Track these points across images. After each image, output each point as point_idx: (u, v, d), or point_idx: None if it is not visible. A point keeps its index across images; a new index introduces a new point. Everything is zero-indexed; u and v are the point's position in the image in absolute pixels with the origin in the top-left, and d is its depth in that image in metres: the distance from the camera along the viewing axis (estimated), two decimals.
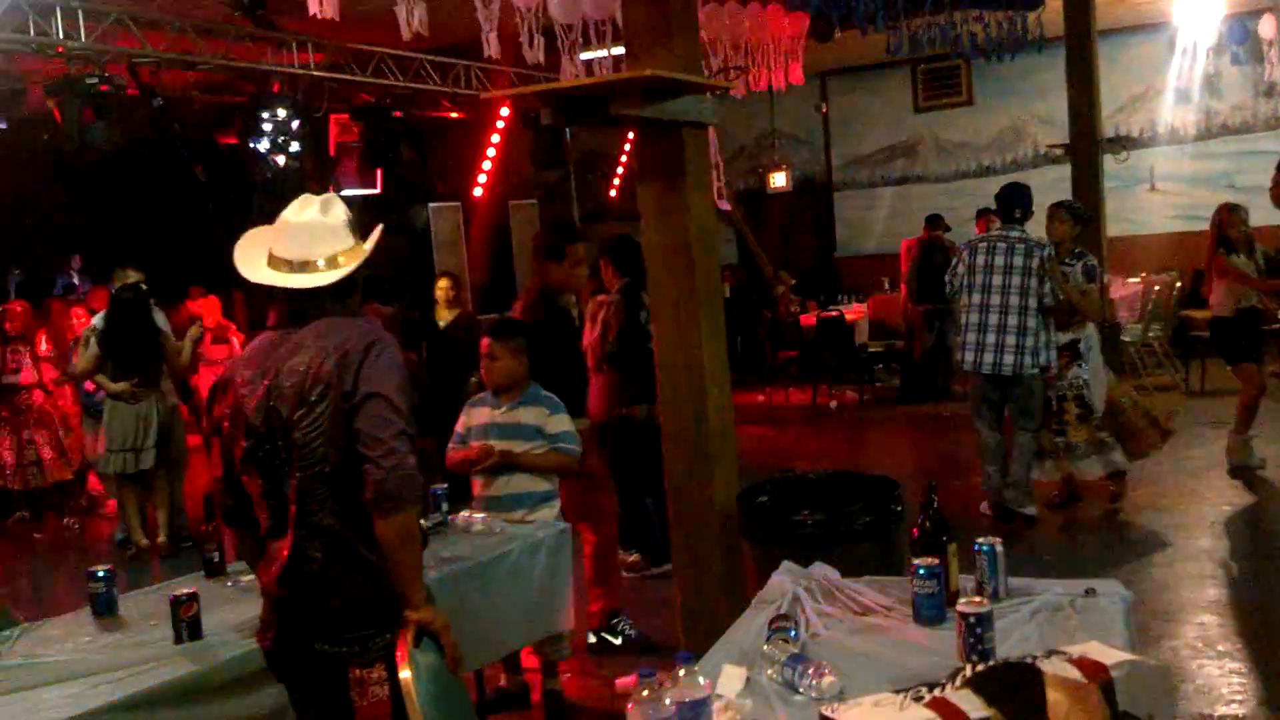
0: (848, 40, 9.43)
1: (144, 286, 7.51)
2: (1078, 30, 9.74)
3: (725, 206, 7.64)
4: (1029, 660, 1.99)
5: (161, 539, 7.71)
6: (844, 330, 11.50)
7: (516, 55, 7.24)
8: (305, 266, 2.74)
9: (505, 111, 11.07)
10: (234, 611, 3.39)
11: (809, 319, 11.87)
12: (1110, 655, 2.03)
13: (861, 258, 14.62)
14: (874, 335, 12.33)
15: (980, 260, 6.65)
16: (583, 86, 4.41)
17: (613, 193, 13.76)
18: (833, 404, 11.62)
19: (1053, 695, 1.85)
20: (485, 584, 3.89)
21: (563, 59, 7.42)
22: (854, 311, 12.26)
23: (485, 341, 4.62)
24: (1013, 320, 6.53)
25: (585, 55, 7.59)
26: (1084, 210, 7.13)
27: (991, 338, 6.58)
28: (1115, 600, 2.88)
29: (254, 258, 2.81)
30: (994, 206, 7.02)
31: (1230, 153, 12.77)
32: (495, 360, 4.58)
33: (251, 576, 3.28)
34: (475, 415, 4.67)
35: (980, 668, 1.99)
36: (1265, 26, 11.04)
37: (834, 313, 11.82)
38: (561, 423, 4.60)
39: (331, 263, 2.75)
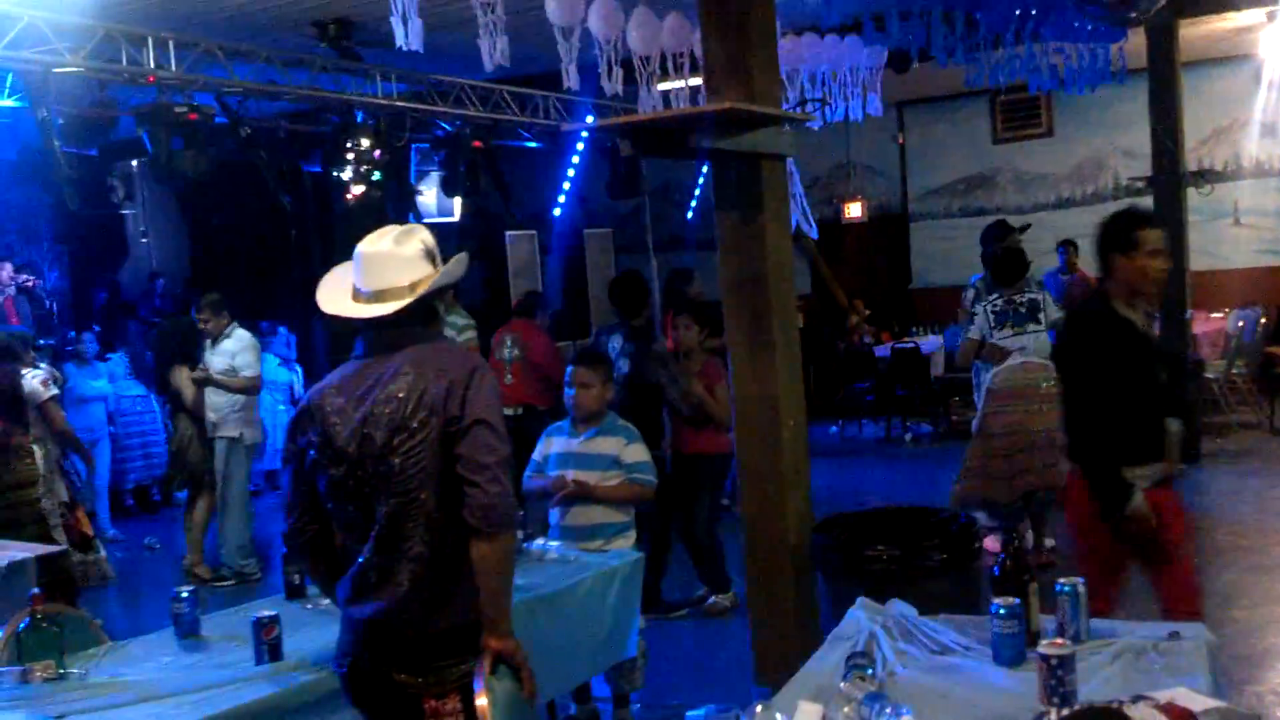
0: (924, 71, 9.39)
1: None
2: (1160, 62, 9.60)
3: (814, 234, 7.62)
4: (1115, 705, 1.96)
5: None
6: (919, 361, 11.39)
7: (596, 86, 7.30)
8: (380, 296, 2.79)
9: (582, 141, 11.17)
10: (315, 634, 3.44)
11: (883, 350, 11.78)
12: (1199, 702, 1.99)
13: (938, 289, 14.46)
14: (949, 367, 12.19)
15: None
16: (662, 119, 4.46)
17: (688, 220, 13.80)
18: (907, 437, 11.50)
19: None
20: (558, 613, 3.91)
21: (640, 90, 7.48)
22: (929, 343, 12.14)
23: (573, 369, 4.65)
24: None
25: (663, 86, 7.65)
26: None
27: None
28: (1199, 644, 2.83)
29: (336, 293, 2.88)
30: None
31: None
32: (587, 388, 4.60)
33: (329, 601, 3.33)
34: (553, 444, 4.69)
35: (1065, 712, 1.96)
36: None
37: (909, 344, 11.71)
38: (638, 452, 4.62)
39: (410, 290, 2.79)
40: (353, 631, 2.81)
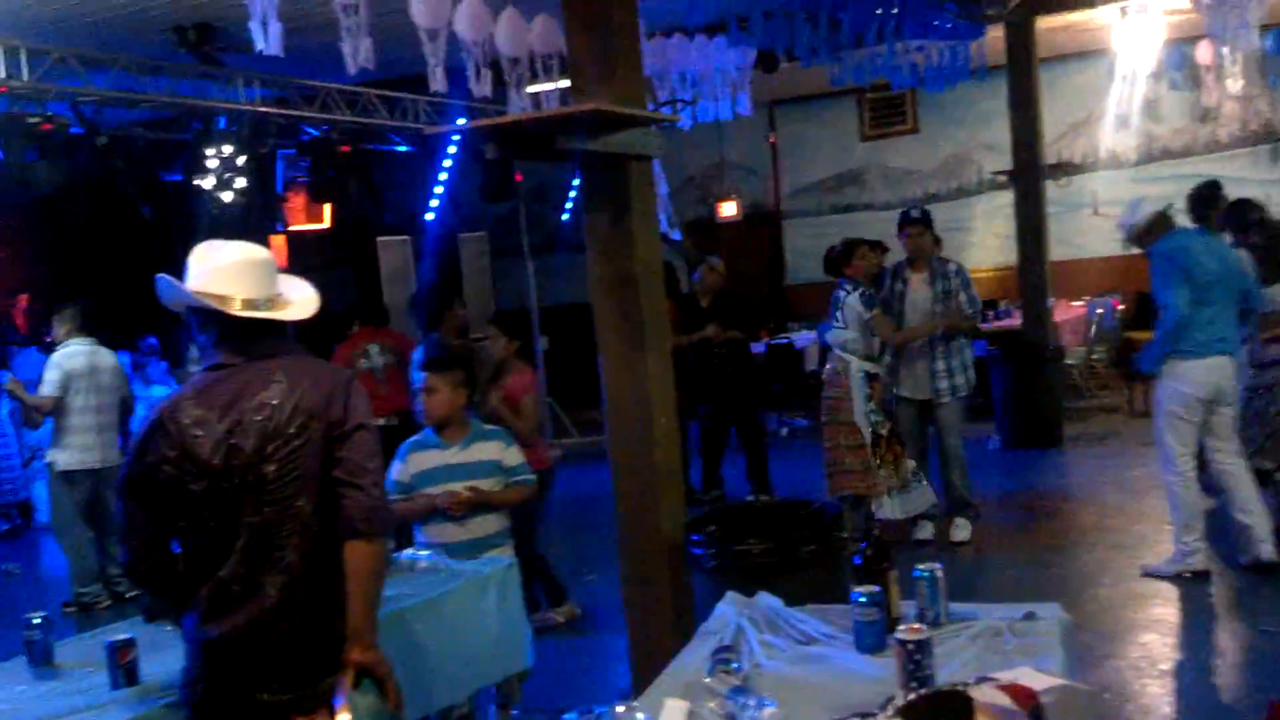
0: (794, 71, 9.54)
1: None
2: (1019, 59, 9.92)
3: (676, 235, 7.67)
4: (960, 688, 2.01)
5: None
6: (793, 357, 11.56)
7: (464, 88, 7.25)
8: (273, 303, 2.79)
9: (454, 145, 11.08)
10: (174, 657, 3.34)
11: (759, 347, 11.91)
12: (1041, 680, 2.05)
13: (812, 285, 14.69)
14: (823, 361, 12.39)
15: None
16: (527, 121, 4.44)
17: (563, 220, 13.80)
18: (784, 431, 11.67)
19: None
20: (433, 622, 3.84)
21: (510, 92, 7.45)
22: (803, 339, 12.33)
23: (421, 375, 4.52)
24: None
25: (532, 88, 7.63)
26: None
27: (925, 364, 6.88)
28: (1053, 623, 2.91)
29: (228, 301, 2.76)
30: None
31: (1170, 176, 12.95)
32: (433, 393, 4.46)
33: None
34: (421, 460, 4.49)
35: (911, 697, 2.01)
36: (1202, 52, 11.26)
37: (784, 340, 11.88)
38: (517, 454, 4.58)
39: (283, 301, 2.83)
40: (208, 653, 2.72)
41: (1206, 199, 6.46)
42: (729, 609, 3.26)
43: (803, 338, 12.46)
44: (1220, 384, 5.84)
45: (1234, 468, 5.95)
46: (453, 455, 4.47)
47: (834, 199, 15.01)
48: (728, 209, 14.64)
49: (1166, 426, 5.94)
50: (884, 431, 6.68)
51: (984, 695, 1.96)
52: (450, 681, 3.91)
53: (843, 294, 6.86)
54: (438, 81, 6.82)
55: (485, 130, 4.34)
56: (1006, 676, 2.09)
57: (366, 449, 2.72)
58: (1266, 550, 5.84)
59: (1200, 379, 5.79)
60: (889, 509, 6.61)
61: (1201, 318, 5.74)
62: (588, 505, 4.88)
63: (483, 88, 7.07)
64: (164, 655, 3.36)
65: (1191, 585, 5.87)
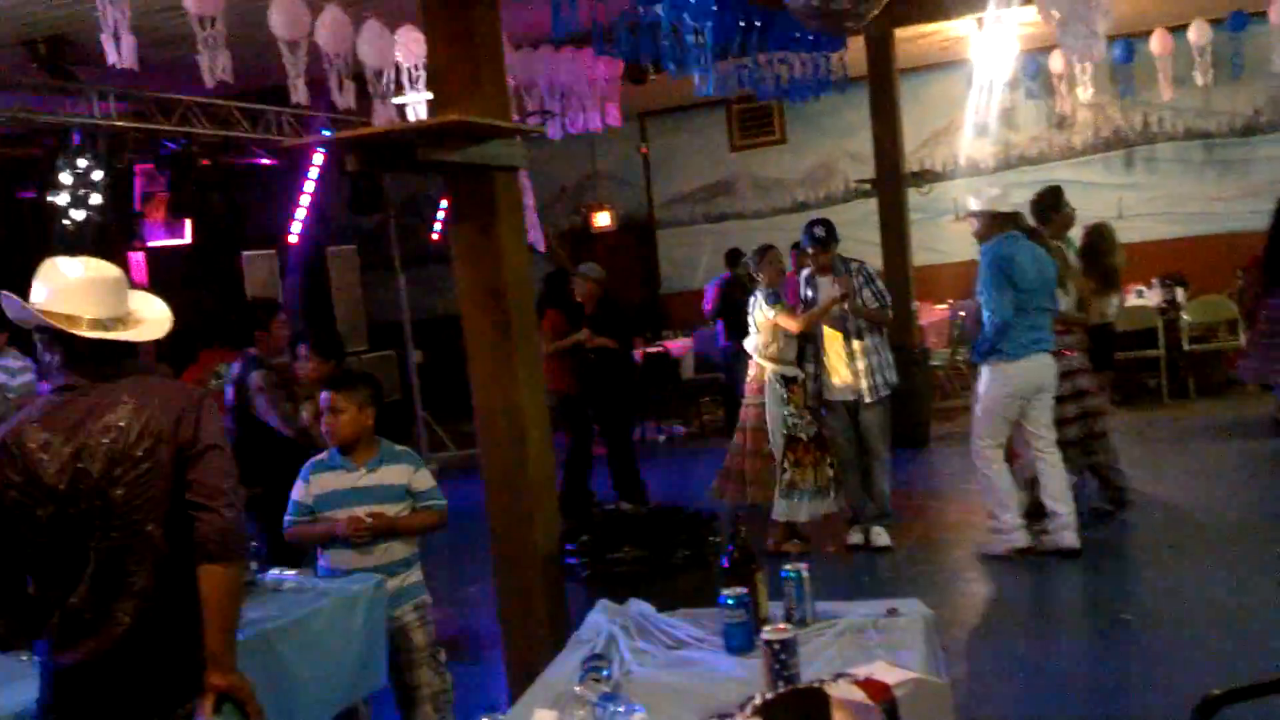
0: (664, 82, 9.63)
1: None
2: (879, 70, 10.18)
3: (540, 246, 7.64)
4: (817, 685, 2.05)
5: None
6: (669, 365, 11.65)
7: (329, 100, 7.14)
8: (123, 322, 2.73)
9: (320, 157, 10.90)
10: (30, 687, 3.22)
11: (635, 355, 11.98)
12: (895, 675, 2.11)
13: (686, 293, 14.85)
14: (699, 369, 12.54)
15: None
16: (388, 133, 4.41)
17: (434, 236, 13.65)
18: (660, 438, 11.75)
19: (838, 718, 1.91)
20: (300, 643, 3.77)
21: (374, 104, 7.37)
22: (679, 346, 12.44)
23: (325, 394, 4.28)
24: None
25: (398, 100, 7.56)
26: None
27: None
28: (916, 618, 3.00)
29: (72, 318, 2.69)
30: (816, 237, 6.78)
31: (1028, 182, 13.30)
32: (338, 413, 4.22)
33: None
34: (324, 482, 4.25)
35: (770, 695, 2.04)
36: (1055, 62, 11.70)
37: (659, 348, 11.97)
38: (427, 478, 4.34)
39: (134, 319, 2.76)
40: (60, 682, 2.65)
41: (1048, 205, 6.91)
42: (600, 617, 3.28)
43: (679, 346, 12.56)
44: (1040, 381, 6.31)
45: (1050, 457, 6.37)
46: (358, 478, 4.22)
47: (706, 208, 15.18)
48: (602, 219, 14.72)
49: (984, 418, 6.45)
50: (804, 435, 6.78)
51: (840, 691, 2.01)
52: (316, 702, 3.85)
53: (753, 300, 7.00)
54: (299, 93, 6.72)
55: (346, 142, 4.27)
56: (862, 671, 2.14)
57: (219, 470, 2.66)
58: (1069, 538, 6.27)
59: (1020, 379, 6.28)
60: (790, 511, 6.77)
61: (1024, 321, 6.21)
62: (465, 519, 4.83)
63: (346, 99, 6.99)
64: (18, 686, 3.24)
65: (1054, 577, 6.09)
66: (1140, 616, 5.40)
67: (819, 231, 6.75)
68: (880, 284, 6.92)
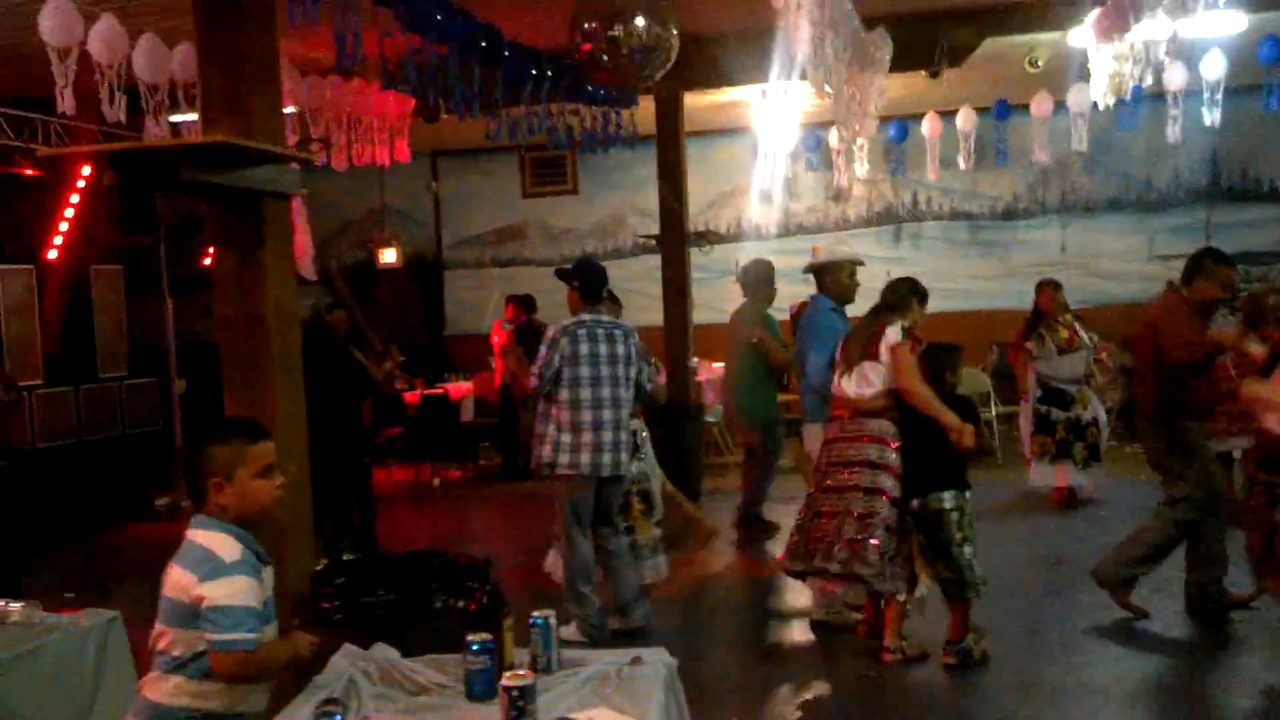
0: (457, 122, 9.58)
1: None
2: (667, 129, 10.43)
3: (309, 275, 7.42)
4: None
5: None
6: (447, 408, 11.52)
7: (99, 112, 6.82)
8: None
9: (87, 171, 10.35)
10: None
11: (414, 396, 11.80)
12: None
13: (471, 336, 14.76)
14: (480, 413, 12.46)
15: (585, 349, 6.08)
16: (151, 150, 4.23)
17: (208, 260, 13.14)
18: (435, 482, 11.58)
19: None
20: (24, 678, 3.56)
21: (147, 120, 7.07)
22: (460, 389, 12.32)
23: None
24: (622, 413, 6.12)
25: (176, 118, 7.28)
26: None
27: (608, 436, 6.04)
28: (659, 666, 3.02)
29: None
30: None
31: (805, 250, 13.91)
32: None
33: None
34: None
35: None
36: (833, 137, 12.23)
37: (438, 390, 11.83)
38: None
39: None
40: None
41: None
42: (343, 661, 3.19)
43: (460, 389, 12.45)
44: None
45: None
46: None
47: (495, 252, 15.16)
48: (388, 255, 14.45)
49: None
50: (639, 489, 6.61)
51: None
52: None
53: None
54: (65, 103, 6.40)
55: (103, 156, 4.07)
56: (583, 716, 2.14)
57: None
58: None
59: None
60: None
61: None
62: None
63: (116, 112, 6.69)
64: None
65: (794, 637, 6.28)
66: None
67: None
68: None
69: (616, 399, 6.09)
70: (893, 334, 5.61)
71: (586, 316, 6.22)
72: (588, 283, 6.31)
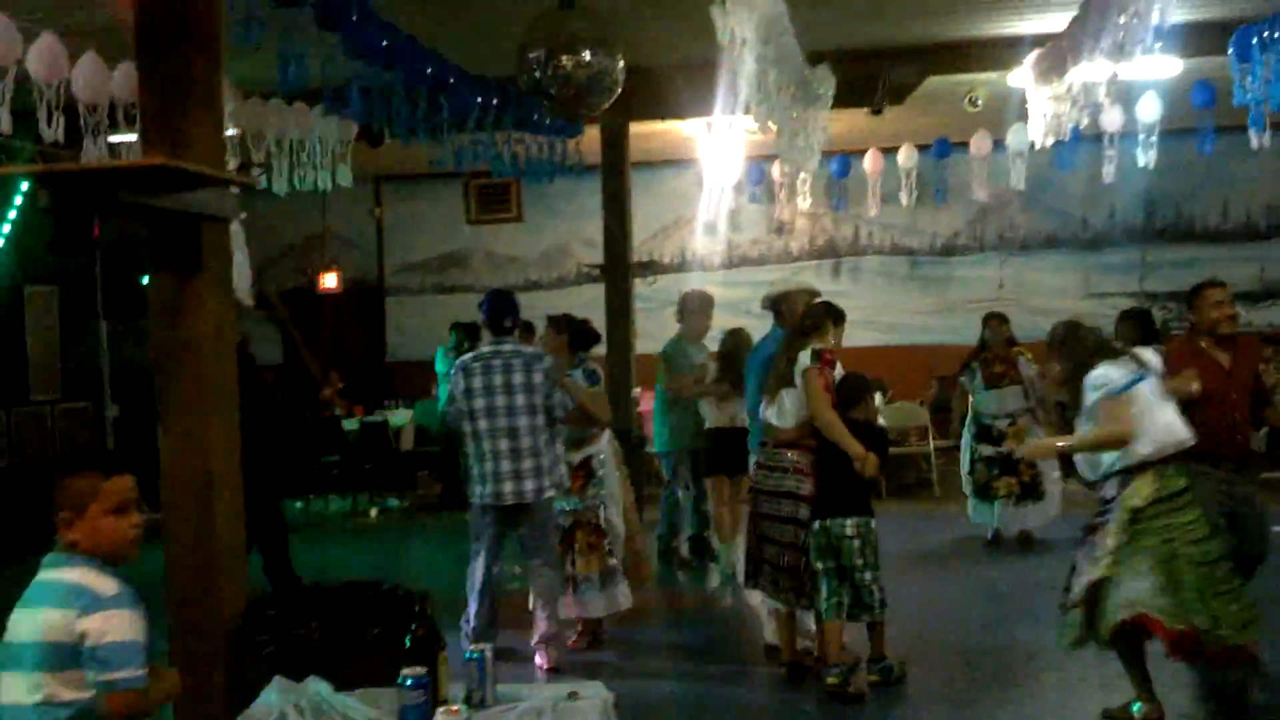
0: (401, 148, 9.55)
1: None
2: (612, 160, 10.47)
3: (246, 301, 7.33)
4: None
5: None
6: (386, 436, 11.41)
7: (35, 132, 6.71)
8: None
9: (23, 191, 10.18)
10: None
11: (353, 423, 11.69)
12: None
13: (414, 363, 14.65)
14: (420, 441, 12.34)
15: (479, 382, 6.10)
16: (86, 171, 4.17)
17: (144, 281, 12.94)
18: (373, 512, 11.44)
19: None
20: None
21: (85, 140, 6.97)
22: (400, 417, 12.21)
23: None
24: (526, 442, 6.08)
25: (115, 138, 7.18)
26: (578, 322, 6.97)
27: (506, 465, 6.06)
28: (596, 701, 3.01)
29: None
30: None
31: (748, 282, 14.02)
32: None
33: None
34: None
35: None
36: (776, 171, 12.34)
37: (377, 418, 11.71)
38: None
39: None
40: None
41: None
42: (274, 695, 3.13)
43: (400, 416, 12.34)
44: None
45: None
46: None
47: (438, 279, 15.08)
48: (329, 280, 14.35)
49: None
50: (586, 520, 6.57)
51: None
52: None
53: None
54: (2, 121, 6.30)
55: (36, 177, 4.00)
56: None
57: None
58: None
59: None
60: (574, 606, 6.52)
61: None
62: (155, 584, 4.53)
63: (54, 132, 6.59)
64: None
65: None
66: None
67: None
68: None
69: (515, 428, 6.08)
70: (804, 358, 5.68)
71: (486, 348, 6.29)
72: (490, 315, 6.37)
